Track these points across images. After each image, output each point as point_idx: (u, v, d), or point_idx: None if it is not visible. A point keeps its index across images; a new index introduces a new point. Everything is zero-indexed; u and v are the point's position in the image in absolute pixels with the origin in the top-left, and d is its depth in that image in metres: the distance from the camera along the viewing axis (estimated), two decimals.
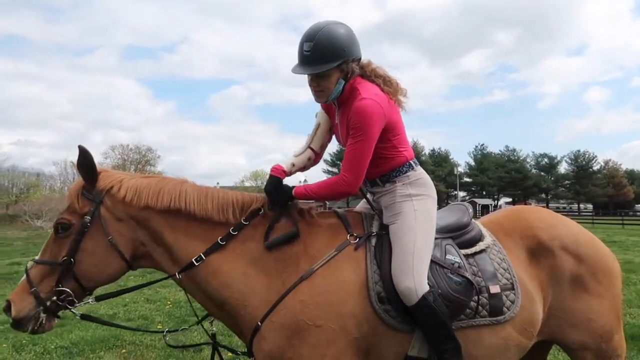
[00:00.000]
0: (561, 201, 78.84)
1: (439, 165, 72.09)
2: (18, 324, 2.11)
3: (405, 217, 2.26)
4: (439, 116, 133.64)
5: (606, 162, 79.45)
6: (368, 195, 2.49)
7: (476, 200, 69.65)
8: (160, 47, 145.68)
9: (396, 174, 2.35)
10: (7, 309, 2.12)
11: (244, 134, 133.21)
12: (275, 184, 2.30)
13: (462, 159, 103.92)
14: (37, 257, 2.19)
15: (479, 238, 2.44)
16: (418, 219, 2.25)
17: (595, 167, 76.71)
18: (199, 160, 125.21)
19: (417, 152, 69.35)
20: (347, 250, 2.21)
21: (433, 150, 78.66)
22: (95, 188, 2.20)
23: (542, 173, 77.63)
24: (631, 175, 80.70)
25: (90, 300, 2.24)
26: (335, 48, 2.15)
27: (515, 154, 79.22)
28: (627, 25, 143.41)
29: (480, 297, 2.26)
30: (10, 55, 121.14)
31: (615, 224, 34.03)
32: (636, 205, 77.64)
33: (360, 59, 2.29)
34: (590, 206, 75.48)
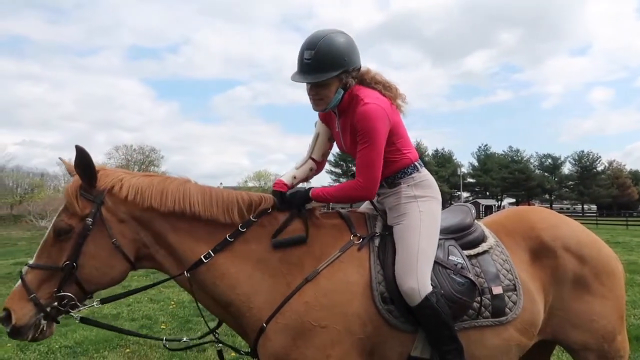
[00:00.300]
0: (565, 202, 78.61)
1: (442, 166, 71.98)
2: (18, 333, 2.01)
3: (410, 218, 2.27)
4: (442, 116, 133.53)
5: (610, 163, 79.23)
6: None
7: (479, 200, 69.46)
8: (163, 47, 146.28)
9: (401, 175, 2.36)
10: (6, 318, 2.01)
11: (247, 135, 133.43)
12: (280, 197, 2.32)
13: (465, 160, 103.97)
14: (31, 262, 2.09)
15: (481, 239, 2.45)
16: (423, 220, 2.26)
17: (599, 168, 76.43)
18: (202, 161, 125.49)
19: (420, 152, 68.50)
20: (351, 251, 2.22)
21: (436, 150, 78.59)
22: (95, 188, 2.12)
23: (546, 174, 77.37)
24: (635, 175, 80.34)
25: (95, 303, 2.18)
26: (335, 57, 2.15)
27: (518, 154, 79.02)
28: (631, 25, 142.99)
29: (482, 298, 2.27)
30: (14, 56, 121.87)
31: (619, 225, 33.90)
32: None
33: (359, 68, 2.30)
34: (594, 207, 75.14)
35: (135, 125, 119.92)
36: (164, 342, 2.37)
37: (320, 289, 2.11)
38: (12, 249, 17.84)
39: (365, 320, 2.12)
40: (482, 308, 2.27)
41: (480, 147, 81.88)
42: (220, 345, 2.37)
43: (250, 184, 67.25)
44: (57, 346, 5.25)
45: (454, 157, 77.99)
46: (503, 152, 79.94)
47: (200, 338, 2.57)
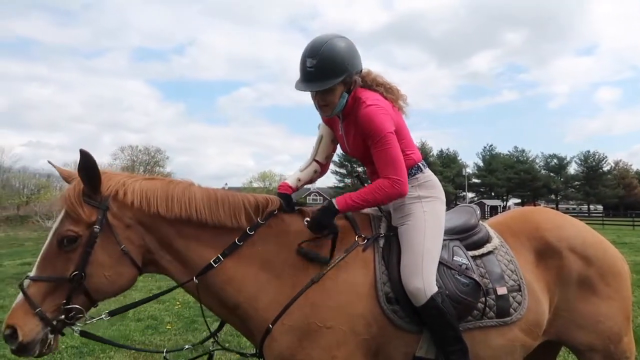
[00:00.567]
0: (571, 202, 78.13)
1: (447, 166, 71.76)
2: (25, 349, 1.92)
3: (415, 218, 2.28)
4: (448, 117, 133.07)
5: (616, 163, 78.68)
6: None
7: (485, 201, 69.28)
8: (169, 49, 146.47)
9: None
10: (12, 335, 1.91)
11: (253, 136, 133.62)
12: (286, 200, 2.32)
13: (470, 160, 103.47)
14: (32, 274, 1.99)
15: (486, 239, 2.45)
16: (427, 220, 2.27)
17: (606, 168, 75.85)
18: (207, 162, 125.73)
19: (425, 153, 69.58)
20: (356, 252, 2.23)
21: (441, 151, 78.33)
22: (100, 194, 2.06)
23: (552, 174, 76.96)
24: None
25: (103, 315, 2.13)
26: (338, 63, 2.15)
27: (524, 154, 78.68)
28: (638, 24, 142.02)
29: (487, 298, 2.27)
30: (22, 58, 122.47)
31: (626, 225, 33.69)
32: None
33: (361, 70, 2.30)
34: (600, 207, 74.70)
35: (141, 126, 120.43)
36: (165, 355, 2.29)
37: (326, 290, 2.12)
38: (19, 250, 17.96)
39: (370, 320, 2.13)
40: (487, 308, 2.27)
41: (485, 147, 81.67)
42: (214, 351, 2.34)
43: (255, 185, 67.48)
44: (63, 346, 5.27)
45: (459, 158, 77.70)
46: (508, 153, 79.68)
47: (202, 343, 2.53)
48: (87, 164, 2.00)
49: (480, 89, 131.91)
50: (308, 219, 2.21)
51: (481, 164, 79.46)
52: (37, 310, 1.93)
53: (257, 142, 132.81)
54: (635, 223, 31.87)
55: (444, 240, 2.34)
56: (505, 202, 74.96)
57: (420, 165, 2.40)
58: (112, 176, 2.13)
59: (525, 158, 78.19)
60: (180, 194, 2.15)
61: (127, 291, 2.26)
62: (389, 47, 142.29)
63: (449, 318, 2.11)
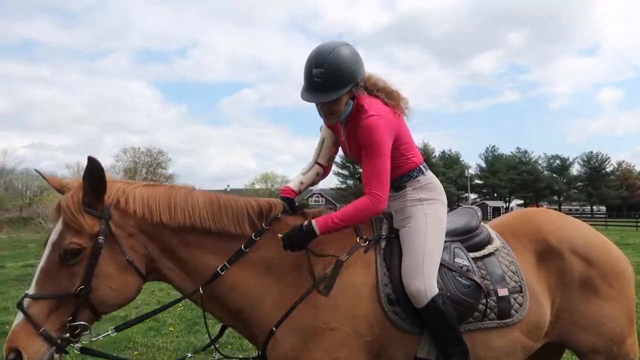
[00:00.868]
0: (574, 203, 77.92)
1: (449, 167, 71.68)
2: None
3: (416, 220, 2.28)
4: (449, 117, 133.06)
5: (619, 164, 78.52)
6: None
7: (487, 202, 69.16)
8: (172, 50, 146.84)
9: (406, 179, 2.37)
10: (16, 359, 1.82)
11: (255, 137, 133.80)
12: (288, 204, 2.32)
13: (472, 161, 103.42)
14: (32, 293, 1.89)
15: (487, 241, 2.45)
16: (428, 222, 2.27)
17: (609, 169, 75.72)
18: (209, 163, 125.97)
19: (427, 154, 69.49)
20: (358, 253, 2.23)
21: (443, 152, 78.25)
22: (102, 202, 1.99)
23: (554, 175, 76.81)
24: None
25: (109, 331, 2.06)
26: (345, 73, 2.13)
27: (526, 155, 78.56)
28: (639, 24, 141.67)
29: (488, 300, 2.27)
30: (25, 60, 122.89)
31: (629, 226, 33.54)
32: None
33: (364, 76, 2.28)
34: (603, 208, 74.45)
35: (143, 127, 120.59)
36: None
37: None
38: (22, 251, 17.98)
39: (373, 322, 2.13)
40: (488, 310, 2.27)
41: (487, 148, 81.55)
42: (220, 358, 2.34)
43: (257, 186, 67.40)
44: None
45: (461, 159, 77.68)
46: (511, 153, 79.52)
47: (204, 350, 2.51)
48: (95, 172, 1.93)
49: (482, 90, 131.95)
50: (281, 235, 2.14)
51: (483, 165, 79.39)
52: (41, 330, 1.84)
53: (259, 143, 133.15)
54: (639, 224, 31.72)
55: (445, 242, 2.34)
56: (507, 203, 74.88)
57: (422, 167, 2.40)
58: (111, 184, 2.04)
59: (527, 159, 78.06)
60: (182, 200, 2.12)
61: None
62: (390, 48, 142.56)
63: (449, 319, 2.11)
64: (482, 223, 2.55)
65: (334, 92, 2.13)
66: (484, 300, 2.26)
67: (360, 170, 2.30)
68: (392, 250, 2.27)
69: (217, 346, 2.30)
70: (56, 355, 1.90)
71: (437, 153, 76.06)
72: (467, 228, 2.47)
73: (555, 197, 76.56)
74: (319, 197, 71.95)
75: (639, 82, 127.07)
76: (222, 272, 2.11)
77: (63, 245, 1.92)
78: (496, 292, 2.29)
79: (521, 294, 2.33)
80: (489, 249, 2.42)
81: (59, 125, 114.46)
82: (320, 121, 2.57)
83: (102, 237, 1.95)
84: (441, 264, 2.26)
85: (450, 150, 79.20)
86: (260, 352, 2.23)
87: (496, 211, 61.29)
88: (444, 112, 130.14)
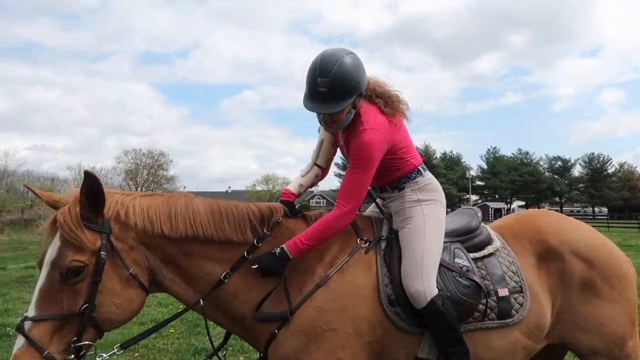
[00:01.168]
0: (575, 205, 77.85)
1: (450, 169, 71.64)
2: None
3: (415, 221, 2.28)
4: (451, 119, 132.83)
5: (621, 165, 78.16)
6: (377, 200, 2.51)
7: (489, 203, 69.14)
8: (173, 52, 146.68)
9: (405, 180, 2.37)
10: None
11: (256, 138, 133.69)
12: (289, 207, 2.32)
13: (474, 162, 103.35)
14: (32, 314, 1.80)
15: (487, 242, 2.46)
16: (427, 223, 2.27)
17: (610, 170, 75.49)
18: (211, 165, 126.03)
19: (428, 155, 69.47)
20: (359, 254, 2.24)
21: (444, 153, 78.30)
22: (102, 216, 1.93)
23: (556, 176, 76.70)
24: None
25: (115, 349, 1.99)
26: (350, 84, 2.11)
27: (528, 157, 78.50)
28: None
29: (488, 300, 2.28)
30: (28, 62, 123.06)
31: (631, 228, 33.50)
32: None
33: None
34: (605, 210, 74.36)
35: (145, 129, 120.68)
36: None
37: (330, 293, 2.13)
38: (23, 253, 17.99)
39: (374, 322, 2.14)
40: (488, 310, 2.27)
41: (489, 149, 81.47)
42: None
43: (258, 188, 67.45)
44: None
45: (462, 160, 77.66)
46: (512, 155, 79.49)
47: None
48: (93, 187, 1.86)
49: (484, 91, 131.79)
50: (255, 265, 2.11)
51: (485, 166, 79.28)
52: (45, 353, 1.77)
53: (260, 144, 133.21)
54: None
55: (445, 242, 2.35)
56: (509, 205, 74.78)
57: (420, 168, 2.41)
58: (108, 195, 1.97)
59: (529, 160, 77.97)
60: (183, 210, 2.09)
61: None
62: (392, 50, 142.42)
63: (449, 320, 2.12)
64: (482, 224, 2.55)
65: (340, 103, 2.11)
66: (484, 301, 2.27)
67: None
68: (392, 251, 2.28)
69: (221, 356, 2.28)
70: None
71: (438, 154, 76.19)
72: (467, 229, 2.48)
73: (557, 199, 76.46)
74: (320, 199, 71.96)
75: None
76: (225, 280, 2.10)
77: (65, 264, 1.84)
78: (496, 292, 2.30)
79: (521, 294, 2.33)
80: (489, 249, 2.42)
81: (61, 127, 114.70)
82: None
83: (104, 252, 1.88)
84: (441, 265, 2.26)
85: (451, 152, 79.29)
86: (261, 355, 2.22)
87: (497, 213, 61.27)
88: (446, 113, 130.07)
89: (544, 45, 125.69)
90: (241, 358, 4.94)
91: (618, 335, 2.46)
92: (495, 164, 77.05)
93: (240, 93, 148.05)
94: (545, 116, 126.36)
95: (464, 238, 2.44)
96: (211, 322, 2.33)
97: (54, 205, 1.96)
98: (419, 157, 2.43)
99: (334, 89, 2.08)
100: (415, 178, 2.38)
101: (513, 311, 2.30)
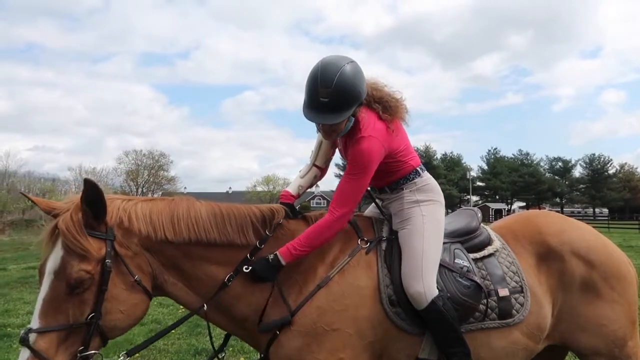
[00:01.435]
0: (576, 205, 77.82)
1: (451, 170, 71.60)
2: None
3: (414, 223, 2.29)
4: (452, 120, 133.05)
5: (622, 166, 78.15)
6: (377, 201, 2.51)
7: (489, 204, 68.98)
8: (174, 53, 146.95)
9: (403, 181, 2.38)
10: None
11: (257, 139, 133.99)
12: (289, 208, 2.32)
13: (474, 163, 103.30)
14: (36, 326, 1.76)
15: (487, 242, 2.46)
16: (426, 224, 2.28)
17: (611, 171, 75.48)
18: (211, 165, 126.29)
19: (429, 156, 69.36)
20: (359, 255, 2.24)
21: (445, 154, 78.29)
22: (105, 224, 1.90)
23: (557, 177, 76.67)
24: None
25: (121, 357, 1.95)
26: (352, 94, 2.09)
27: (528, 157, 78.49)
28: None
29: (489, 300, 2.28)
30: (29, 63, 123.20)
31: (632, 229, 33.46)
32: None
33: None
34: (605, 210, 74.27)
35: (146, 130, 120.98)
36: None
37: (332, 294, 2.13)
38: (24, 254, 17.99)
39: (375, 323, 2.14)
40: (489, 310, 2.28)
41: (489, 150, 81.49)
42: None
43: (259, 189, 67.46)
44: None
45: (463, 161, 77.66)
46: (513, 156, 79.55)
47: None
48: (94, 195, 1.83)
49: (485, 92, 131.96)
50: (248, 268, 2.12)
51: (485, 167, 79.32)
52: None
53: (261, 145, 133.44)
54: None
55: (446, 243, 2.35)
56: (509, 206, 74.71)
57: (419, 169, 2.41)
58: (109, 202, 1.93)
59: (529, 161, 78.00)
60: (185, 214, 2.08)
61: None
62: (393, 51, 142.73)
63: (450, 320, 2.12)
64: (482, 224, 2.55)
65: (340, 114, 2.10)
66: (485, 301, 2.27)
67: None
68: (393, 251, 2.28)
69: (221, 357, 2.28)
70: None
71: (439, 155, 76.21)
72: (467, 229, 2.48)
73: (558, 200, 76.43)
74: (320, 200, 71.97)
75: None
76: (229, 283, 2.10)
77: (72, 274, 1.79)
78: (497, 293, 2.30)
79: (522, 294, 2.34)
80: (489, 249, 2.43)
81: (62, 128, 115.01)
82: None
83: (109, 261, 1.86)
84: (441, 265, 2.26)
85: (452, 153, 79.33)
86: (262, 355, 2.22)
87: (498, 213, 61.16)
88: (447, 114, 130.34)
89: (545, 45, 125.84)
90: (242, 359, 4.94)
91: (618, 335, 2.46)
92: (496, 164, 77.06)
93: (241, 94, 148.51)
94: (546, 117, 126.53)
95: (464, 239, 2.45)
96: (212, 324, 2.33)
97: (52, 213, 1.92)
98: (417, 158, 2.44)
99: (336, 100, 2.06)
100: (413, 179, 2.38)
101: (514, 311, 2.31)
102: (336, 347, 2.08)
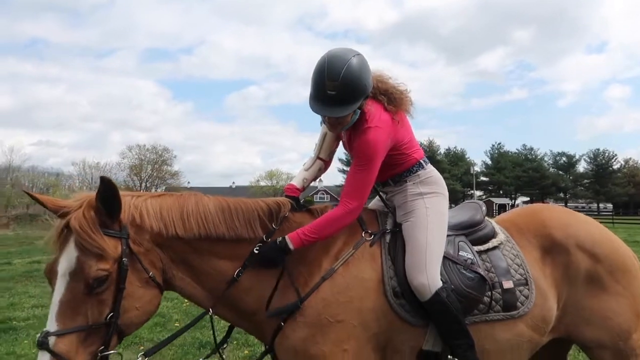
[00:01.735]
0: (580, 201, 77.51)
1: (455, 165, 71.40)
2: None
3: (417, 215, 2.29)
4: (456, 115, 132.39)
5: (626, 161, 77.73)
6: (381, 193, 2.52)
7: (493, 199, 68.85)
8: (178, 48, 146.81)
9: (407, 174, 2.38)
10: None
11: (260, 134, 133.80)
12: (294, 201, 2.33)
13: (478, 158, 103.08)
14: (54, 329, 1.74)
15: (492, 235, 2.46)
16: (429, 216, 2.28)
17: (616, 166, 75.11)
18: (215, 160, 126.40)
19: (433, 151, 69.25)
20: (364, 247, 2.25)
21: (449, 149, 78.04)
22: (119, 222, 1.90)
23: (561, 172, 76.42)
24: None
25: (139, 357, 1.97)
26: (359, 87, 2.09)
27: (532, 152, 78.23)
28: None
29: (493, 292, 2.29)
30: (33, 58, 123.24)
31: (637, 224, 33.33)
32: None
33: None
34: (610, 205, 74.04)
35: (150, 125, 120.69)
36: None
37: (336, 286, 2.14)
38: (29, 248, 18.12)
39: (379, 315, 2.15)
40: (493, 302, 2.28)
41: (493, 145, 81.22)
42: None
43: (262, 183, 67.58)
44: None
45: (467, 156, 77.42)
46: (517, 151, 79.28)
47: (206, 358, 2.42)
48: (109, 193, 1.82)
49: (490, 87, 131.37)
50: (257, 249, 2.14)
51: (489, 162, 79.09)
52: None
53: (264, 140, 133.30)
54: None
55: (450, 235, 2.36)
56: (513, 201, 74.54)
57: (422, 162, 2.41)
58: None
59: (533, 156, 77.71)
60: (194, 209, 2.10)
61: None
62: (397, 45, 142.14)
63: (454, 312, 2.13)
64: (486, 217, 2.55)
65: (347, 107, 2.10)
66: (489, 293, 2.27)
67: None
68: (397, 244, 2.29)
69: (222, 350, 2.29)
70: None
71: (442, 150, 75.97)
72: (472, 222, 2.48)
73: (562, 195, 76.22)
74: (324, 194, 72.05)
75: None
76: (238, 277, 2.12)
77: (90, 274, 1.77)
78: (501, 285, 2.30)
79: (527, 287, 2.34)
80: (493, 242, 2.43)
81: (66, 123, 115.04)
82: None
83: (126, 259, 1.86)
84: (445, 257, 2.27)
85: (456, 148, 79.07)
86: (267, 347, 2.24)
87: (502, 208, 60.96)
88: (451, 109, 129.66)
89: (550, 40, 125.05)
90: (246, 351, 4.96)
91: (623, 328, 2.47)
92: (500, 159, 76.82)
93: (244, 89, 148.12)
94: (551, 112, 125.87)
95: (468, 231, 2.45)
96: (216, 316, 2.34)
97: (60, 212, 1.88)
98: (421, 150, 2.44)
99: (343, 93, 2.06)
100: (417, 171, 2.38)
101: (518, 303, 2.31)
102: (340, 338, 2.09)
